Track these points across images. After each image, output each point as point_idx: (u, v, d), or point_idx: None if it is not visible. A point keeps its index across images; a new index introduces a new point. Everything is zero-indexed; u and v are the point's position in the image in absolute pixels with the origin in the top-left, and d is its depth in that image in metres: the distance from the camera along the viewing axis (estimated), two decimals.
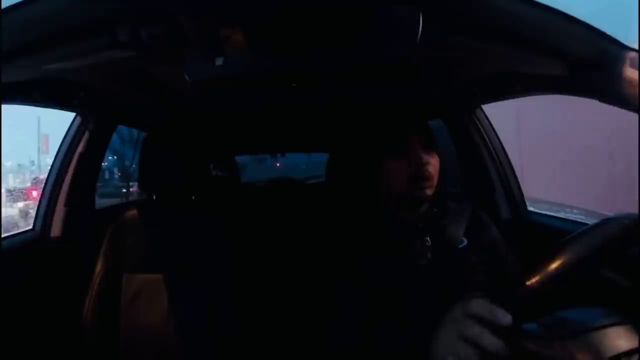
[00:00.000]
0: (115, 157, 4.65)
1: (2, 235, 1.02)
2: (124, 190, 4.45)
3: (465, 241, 0.82)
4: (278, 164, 3.15)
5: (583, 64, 0.62)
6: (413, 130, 0.84)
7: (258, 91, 1.17)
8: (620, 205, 3.44)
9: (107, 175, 4.70)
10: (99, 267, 1.03)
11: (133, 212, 1.08)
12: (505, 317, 0.49)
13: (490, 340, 0.49)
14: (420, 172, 0.81)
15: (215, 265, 1.05)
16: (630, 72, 0.55)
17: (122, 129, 1.54)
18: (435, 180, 0.83)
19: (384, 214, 0.86)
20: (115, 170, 4.87)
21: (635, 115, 0.56)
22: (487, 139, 1.31)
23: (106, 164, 4.72)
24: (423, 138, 0.83)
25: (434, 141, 0.85)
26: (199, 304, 1.02)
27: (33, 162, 8.08)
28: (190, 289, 1.03)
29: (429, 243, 0.81)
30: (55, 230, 1.17)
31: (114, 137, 1.42)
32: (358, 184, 0.91)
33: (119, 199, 4.31)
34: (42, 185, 1.25)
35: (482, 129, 1.31)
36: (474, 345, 0.50)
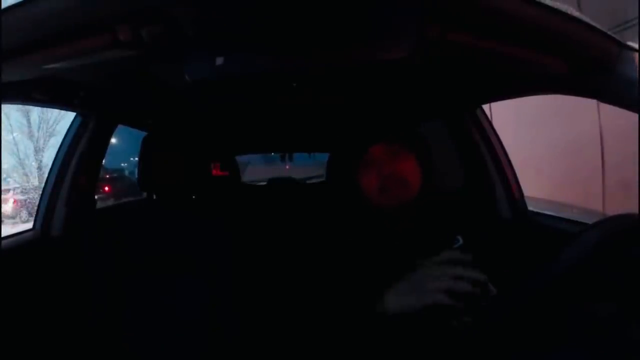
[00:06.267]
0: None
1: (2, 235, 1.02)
2: None
3: (461, 240, 0.82)
4: (287, 167, 3.16)
5: (583, 63, 0.61)
6: (375, 139, 0.82)
7: (258, 91, 1.17)
8: None
9: None
10: (99, 266, 1.03)
11: (134, 211, 1.08)
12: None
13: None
14: (386, 181, 0.80)
15: (216, 264, 1.05)
16: (631, 72, 0.55)
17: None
18: (414, 185, 0.81)
19: (373, 216, 0.86)
20: None
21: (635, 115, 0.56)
22: (487, 139, 1.31)
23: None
24: (388, 145, 0.81)
25: (407, 145, 0.82)
26: (200, 303, 1.02)
27: None
28: (190, 288, 1.03)
29: (420, 244, 0.80)
30: (56, 229, 1.17)
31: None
32: (351, 186, 0.91)
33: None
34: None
35: (482, 129, 1.31)
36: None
